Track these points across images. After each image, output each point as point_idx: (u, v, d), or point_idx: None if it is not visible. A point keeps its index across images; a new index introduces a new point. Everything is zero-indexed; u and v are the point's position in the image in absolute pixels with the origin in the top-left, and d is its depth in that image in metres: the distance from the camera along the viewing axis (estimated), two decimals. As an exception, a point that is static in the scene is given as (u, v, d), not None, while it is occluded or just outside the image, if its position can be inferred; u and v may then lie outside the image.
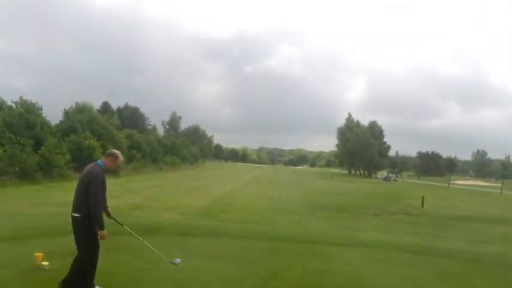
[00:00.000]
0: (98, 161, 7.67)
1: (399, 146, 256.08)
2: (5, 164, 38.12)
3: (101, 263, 7.41)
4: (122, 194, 32.19)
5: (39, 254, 9.20)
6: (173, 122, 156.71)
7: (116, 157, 7.71)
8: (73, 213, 7.25)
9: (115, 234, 12.86)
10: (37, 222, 16.42)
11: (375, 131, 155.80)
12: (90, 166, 7.59)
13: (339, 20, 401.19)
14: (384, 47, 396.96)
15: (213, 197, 36.24)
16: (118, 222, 8.14)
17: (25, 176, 39.24)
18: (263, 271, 9.85)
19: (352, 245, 14.32)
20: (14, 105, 52.87)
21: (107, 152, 7.89)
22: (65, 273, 7.45)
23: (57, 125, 57.88)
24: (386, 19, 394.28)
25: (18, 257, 9.95)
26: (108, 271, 8.41)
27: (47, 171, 41.30)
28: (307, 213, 29.58)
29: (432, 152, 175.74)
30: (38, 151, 42.03)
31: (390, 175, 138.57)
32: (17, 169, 39.41)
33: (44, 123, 50.97)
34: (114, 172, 54.43)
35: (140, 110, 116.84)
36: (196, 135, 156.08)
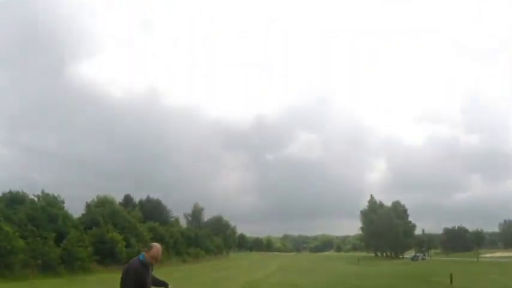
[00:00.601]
0: (140, 255, 7.78)
1: (425, 223, 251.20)
2: (27, 257, 38.12)
3: None
4: None
5: None
6: (195, 214, 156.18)
7: (149, 248, 7.90)
8: None
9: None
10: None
11: (398, 211, 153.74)
12: (131, 260, 7.75)
13: (355, 102, 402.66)
14: (402, 125, 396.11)
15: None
16: None
17: (48, 268, 39.17)
18: None
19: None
20: (36, 199, 53.23)
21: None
22: None
23: (79, 218, 58.19)
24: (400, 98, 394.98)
25: None
26: None
27: (70, 264, 41.13)
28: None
29: (458, 227, 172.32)
30: (61, 244, 42.01)
31: (417, 254, 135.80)
32: (39, 262, 39.39)
33: (66, 217, 51.24)
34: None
35: (162, 203, 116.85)
36: (219, 225, 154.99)
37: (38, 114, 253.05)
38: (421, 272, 57.79)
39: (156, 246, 8.08)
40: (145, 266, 7.97)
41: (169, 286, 8.62)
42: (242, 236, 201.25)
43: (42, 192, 54.77)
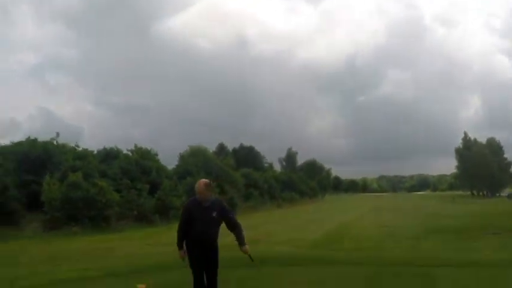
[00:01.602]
0: None
1: None
2: (123, 209, 39.51)
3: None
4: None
5: (140, 286, 9.46)
6: (289, 158, 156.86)
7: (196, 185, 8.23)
8: None
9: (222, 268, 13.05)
10: (147, 260, 16.86)
11: (493, 148, 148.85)
12: None
13: (448, 39, 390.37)
14: (497, 58, 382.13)
15: (328, 229, 35.86)
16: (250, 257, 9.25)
17: (143, 219, 40.56)
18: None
19: (460, 265, 13.65)
20: (129, 153, 54.73)
21: None
22: None
23: (173, 169, 59.57)
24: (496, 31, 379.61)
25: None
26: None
27: (164, 213, 42.31)
28: (423, 237, 28.63)
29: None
30: (155, 195, 43.21)
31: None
32: (134, 213, 40.73)
33: (159, 168, 52.53)
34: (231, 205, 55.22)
35: (256, 149, 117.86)
36: (313, 169, 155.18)
37: (128, 71, 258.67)
38: None
39: (198, 181, 8.46)
40: (197, 203, 8.43)
41: (245, 247, 9.08)
42: (337, 178, 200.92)
43: (135, 146, 56.24)
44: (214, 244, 8.76)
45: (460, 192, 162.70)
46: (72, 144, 51.08)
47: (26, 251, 23.25)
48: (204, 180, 8.64)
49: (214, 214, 8.48)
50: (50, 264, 16.81)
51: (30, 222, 34.47)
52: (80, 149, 51.15)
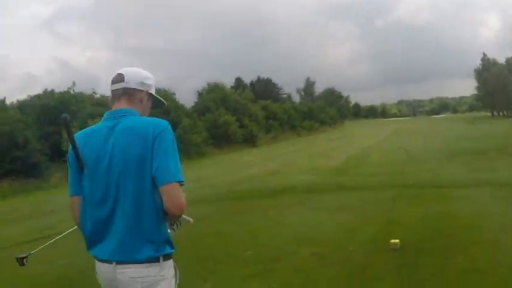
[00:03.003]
0: None
1: None
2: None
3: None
4: (258, 162, 32.90)
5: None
6: (308, 88, 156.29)
7: None
8: None
9: (241, 199, 13.38)
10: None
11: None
12: None
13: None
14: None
15: (348, 155, 36.09)
16: None
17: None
18: (381, 219, 9.91)
19: (480, 185, 13.78)
20: (148, 94, 55.02)
21: None
22: None
23: (192, 107, 59.62)
24: None
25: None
26: (233, 232, 8.77)
27: (185, 150, 42.69)
28: (443, 160, 28.78)
29: None
30: (174, 133, 43.63)
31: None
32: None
33: (178, 107, 52.69)
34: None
35: (273, 81, 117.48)
36: (332, 97, 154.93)
37: (141, 14, 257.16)
38: None
39: None
40: None
41: None
42: (356, 105, 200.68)
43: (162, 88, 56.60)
44: None
45: (480, 114, 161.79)
46: (90, 92, 51.43)
47: (52, 200, 23.73)
48: None
49: None
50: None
51: (55, 173, 35.01)
52: (98, 95, 51.47)
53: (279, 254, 7.70)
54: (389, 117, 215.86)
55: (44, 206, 21.62)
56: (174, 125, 35.73)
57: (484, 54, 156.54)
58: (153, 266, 2.65)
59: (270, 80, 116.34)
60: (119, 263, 2.65)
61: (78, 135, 2.86)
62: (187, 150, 42.94)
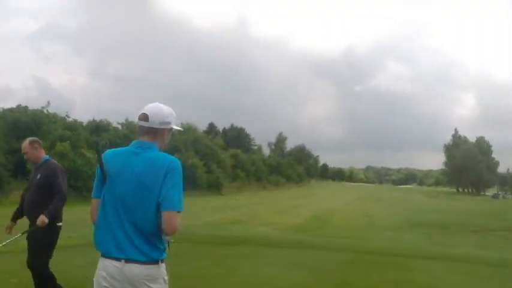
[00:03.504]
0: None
1: (511, 163, 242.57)
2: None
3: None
4: (222, 209, 32.89)
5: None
6: (279, 142, 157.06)
7: None
8: None
9: (199, 243, 13.24)
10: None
11: (482, 147, 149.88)
12: None
13: (447, 33, 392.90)
14: (495, 60, 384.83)
15: (311, 214, 36.22)
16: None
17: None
18: (337, 280, 9.83)
19: (437, 258, 13.86)
20: (119, 126, 54.95)
21: None
22: None
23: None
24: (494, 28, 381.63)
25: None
26: (187, 276, 8.64)
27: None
28: (405, 229, 29.04)
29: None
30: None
31: (499, 193, 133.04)
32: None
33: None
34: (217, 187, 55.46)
35: (246, 131, 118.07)
36: (302, 155, 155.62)
37: (126, 43, 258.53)
38: (498, 210, 56.47)
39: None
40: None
41: (41, 217, 6.63)
42: (325, 166, 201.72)
43: (126, 120, 56.53)
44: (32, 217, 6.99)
45: (446, 189, 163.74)
46: (63, 115, 51.09)
47: (9, 217, 23.34)
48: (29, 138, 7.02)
49: (38, 177, 6.90)
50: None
51: (16, 189, 34.57)
52: (70, 119, 51.17)
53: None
54: (356, 182, 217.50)
55: (0, 221, 21.24)
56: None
57: (456, 131, 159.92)
58: (153, 266, 3.36)
59: (243, 130, 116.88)
60: (127, 261, 3.32)
61: (106, 153, 3.61)
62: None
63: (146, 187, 3.36)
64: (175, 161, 3.46)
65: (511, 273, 11.87)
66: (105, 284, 3.37)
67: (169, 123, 3.61)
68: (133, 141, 3.59)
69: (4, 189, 33.12)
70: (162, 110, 3.58)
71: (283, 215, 34.35)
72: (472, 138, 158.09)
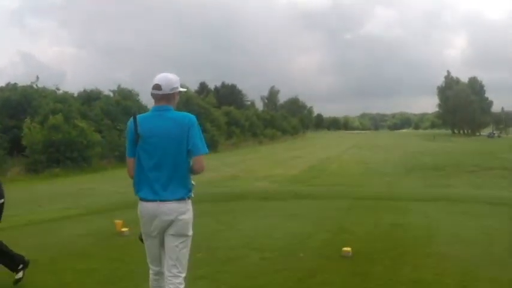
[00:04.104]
0: None
1: (503, 101, 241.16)
2: (105, 150, 39.80)
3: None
4: (218, 167, 32.81)
5: (118, 222, 9.72)
6: (271, 96, 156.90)
7: None
8: None
9: (198, 202, 13.26)
10: (127, 198, 17.18)
11: (475, 87, 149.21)
12: None
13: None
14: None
15: (308, 165, 36.39)
16: None
17: (124, 158, 40.76)
18: (335, 227, 9.94)
19: (434, 199, 13.97)
20: (111, 94, 54.76)
21: None
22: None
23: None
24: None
25: (101, 225, 10.60)
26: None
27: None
28: (401, 174, 29.21)
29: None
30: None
31: (494, 132, 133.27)
32: (116, 153, 41.01)
33: (141, 108, 52.45)
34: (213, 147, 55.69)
35: (237, 87, 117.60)
36: (295, 107, 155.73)
37: (111, 11, 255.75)
38: (494, 149, 56.95)
39: None
40: None
41: None
42: (319, 116, 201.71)
43: (118, 87, 56.29)
44: None
45: (441, 131, 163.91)
46: (53, 88, 50.84)
47: (8, 194, 23.36)
48: None
49: None
50: (31, 206, 17.01)
51: (13, 167, 34.67)
52: (61, 91, 50.92)
53: (229, 257, 7.66)
54: (351, 130, 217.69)
55: None
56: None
57: (448, 73, 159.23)
58: (183, 202, 4.31)
59: (235, 86, 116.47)
60: (162, 201, 4.27)
61: (139, 117, 4.38)
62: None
63: (175, 140, 4.25)
64: (192, 116, 4.37)
65: (509, 210, 11.96)
66: (147, 222, 4.38)
67: (177, 88, 4.46)
68: (153, 107, 4.44)
69: (1, 168, 33.10)
70: (170, 79, 4.43)
71: (280, 167, 34.50)
72: (464, 79, 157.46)
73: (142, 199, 4.38)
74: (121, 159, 40.89)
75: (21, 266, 6.16)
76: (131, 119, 4.40)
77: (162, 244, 4.46)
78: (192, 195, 4.43)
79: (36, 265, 7.38)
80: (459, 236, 8.86)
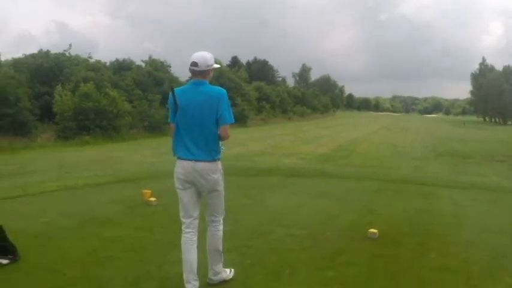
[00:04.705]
0: None
1: None
2: (135, 119, 40.02)
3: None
4: (246, 142, 32.84)
5: (146, 191, 9.77)
6: (303, 73, 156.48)
7: None
8: None
9: (226, 175, 13.30)
10: (155, 167, 17.32)
11: (509, 76, 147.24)
12: None
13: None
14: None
15: (337, 144, 36.29)
16: None
17: (154, 129, 41.15)
18: (361, 208, 9.92)
19: (464, 187, 13.80)
20: (143, 64, 54.87)
21: None
22: (170, 209, 7.92)
23: (186, 80, 59.37)
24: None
25: (129, 194, 10.67)
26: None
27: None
28: (430, 158, 28.97)
29: None
30: (166, 106, 43.33)
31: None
32: (146, 123, 41.22)
33: (172, 80, 52.69)
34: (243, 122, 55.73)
35: (269, 63, 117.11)
36: (327, 85, 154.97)
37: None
38: None
39: None
40: None
41: None
42: (350, 96, 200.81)
43: (150, 57, 56.43)
44: None
45: (472, 118, 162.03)
46: (85, 56, 51.06)
47: (37, 160, 23.62)
48: None
49: None
50: (60, 172, 17.18)
51: (43, 133, 34.99)
52: (93, 60, 51.15)
53: (256, 232, 7.70)
54: (382, 111, 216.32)
55: (29, 164, 21.51)
56: (168, 97, 36.12)
57: (483, 59, 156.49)
58: (213, 163, 5.03)
59: (267, 62, 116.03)
60: (196, 161, 5.01)
61: (177, 90, 5.13)
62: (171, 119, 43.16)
63: (207, 111, 4.94)
64: (222, 90, 5.05)
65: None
66: (181, 177, 5.10)
67: (212, 65, 5.08)
68: (190, 81, 5.15)
69: (31, 133, 33.44)
70: (206, 57, 5.05)
71: (308, 145, 34.43)
72: (499, 67, 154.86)
73: (180, 158, 5.13)
74: (150, 130, 41.16)
75: (10, 256, 6.15)
76: (171, 92, 5.14)
77: (194, 198, 5.24)
78: (221, 156, 5.16)
79: (64, 231, 7.49)
80: (487, 225, 8.78)
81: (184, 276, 5.16)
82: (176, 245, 5.59)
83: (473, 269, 6.13)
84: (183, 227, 5.27)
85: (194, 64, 5.03)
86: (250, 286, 5.39)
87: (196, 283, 5.17)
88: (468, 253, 6.86)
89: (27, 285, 5.26)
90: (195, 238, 5.26)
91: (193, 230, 5.25)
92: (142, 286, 5.31)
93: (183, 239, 5.23)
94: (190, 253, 5.19)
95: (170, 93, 5.14)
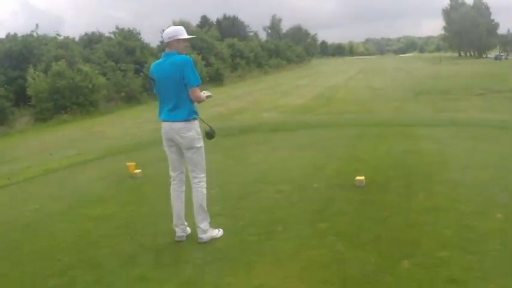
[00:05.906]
0: None
1: (510, 23, 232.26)
2: (111, 92, 39.72)
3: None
4: (225, 101, 32.71)
5: (130, 164, 9.75)
6: (274, 25, 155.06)
7: None
8: None
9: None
10: (137, 138, 17.29)
11: (480, 9, 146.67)
12: None
13: None
14: None
15: (315, 93, 36.29)
16: None
17: (131, 99, 40.94)
18: (346, 156, 9.98)
19: (444, 125, 13.92)
20: (112, 35, 54.30)
21: None
22: (155, 179, 8.00)
23: (158, 46, 58.81)
24: None
25: (113, 169, 10.68)
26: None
27: (151, 90, 42.44)
28: (409, 98, 29.04)
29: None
30: (141, 74, 43.00)
31: (501, 54, 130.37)
32: (122, 94, 40.93)
33: (144, 47, 52.21)
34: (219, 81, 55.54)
35: (239, 19, 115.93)
36: (299, 35, 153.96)
37: None
38: (501, 71, 55.19)
39: None
40: None
41: None
42: (324, 43, 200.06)
43: (117, 27, 55.69)
44: None
45: (447, 54, 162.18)
46: (54, 34, 50.33)
47: (19, 146, 23.40)
48: None
49: None
50: (43, 155, 17.02)
51: (20, 118, 34.59)
52: (61, 37, 50.41)
53: (244, 192, 7.73)
54: (356, 55, 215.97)
55: (11, 152, 21.24)
56: (140, 65, 35.37)
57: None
58: (188, 122, 5.57)
59: (237, 18, 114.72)
60: (173, 121, 5.61)
61: (152, 65, 5.81)
62: (153, 91, 42.81)
63: (176, 78, 5.48)
64: (186, 57, 5.57)
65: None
66: (164, 136, 5.76)
67: (173, 37, 5.60)
68: (163, 53, 5.69)
69: (9, 120, 33.04)
70: (167, 31, 5.65)
71: (287, 97, 34.39)
72: (470, 1, 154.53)
73: (162, 120, 5.77)
74: (128, 100, 40.90)
75: None
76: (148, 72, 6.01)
77: (178, 154, 5.85)
78: (197, 116, 5.70)
79: (54, 216, 7.49)
80: (471, 161, 8.90)
81: (174, 222, 5.89)
82: (166, 215, 5.86)
83: (463, 208, 6.20)
84: (171, 180, 5.96)
85: (163, 37, 5.73)
86: (247, 248, 5.43)
87: (184, 227, 5.93)
88: (456, 192, 6.94)
89: (22, 277, 5.25)
90: (182, 189, 5.95)
91: (179, 183, 5.95)
92: (139, 260, 5.33)
93: (171, 189, 5.95)
94: (177, 200, 5.90)
95: (148, 72, 5.99)
